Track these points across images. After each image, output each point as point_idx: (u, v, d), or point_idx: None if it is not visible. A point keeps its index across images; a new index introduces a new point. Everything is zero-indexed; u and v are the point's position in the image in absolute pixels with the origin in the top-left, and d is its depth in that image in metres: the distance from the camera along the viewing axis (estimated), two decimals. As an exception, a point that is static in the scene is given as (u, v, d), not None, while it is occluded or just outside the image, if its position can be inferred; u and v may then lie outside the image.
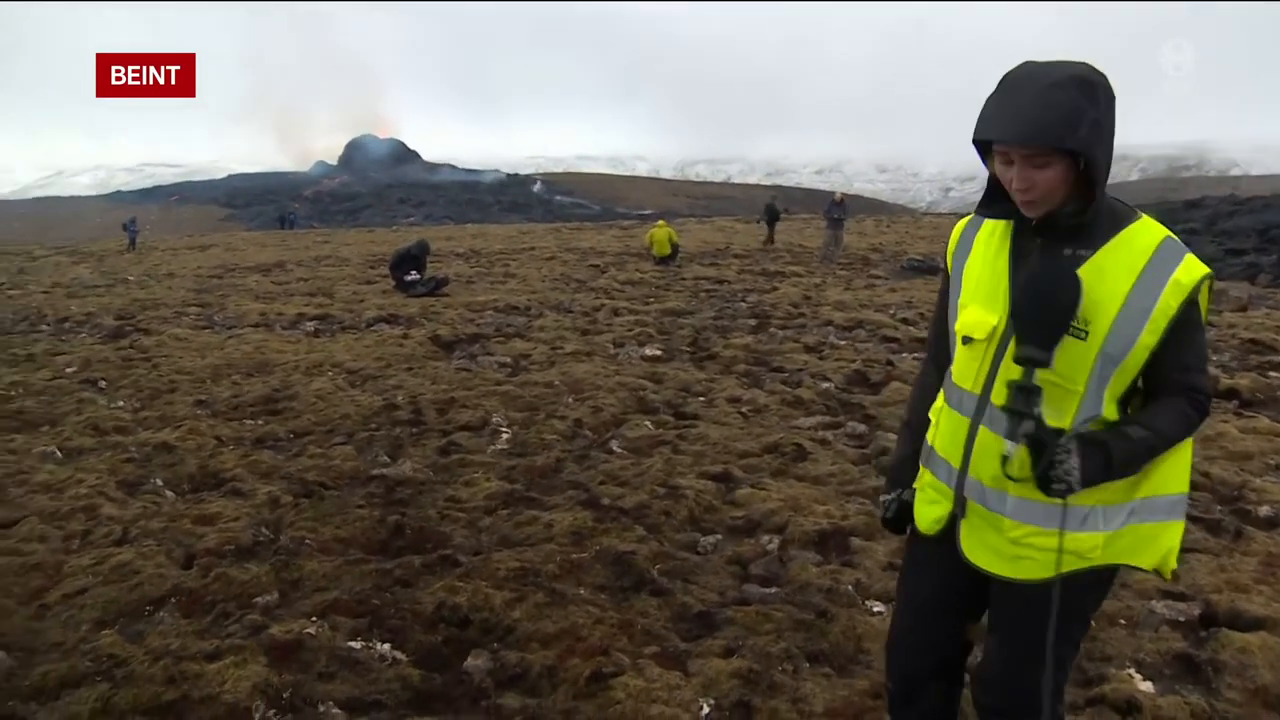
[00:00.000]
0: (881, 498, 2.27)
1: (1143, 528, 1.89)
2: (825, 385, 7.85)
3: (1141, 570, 1.95)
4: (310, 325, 11.76)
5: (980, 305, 1.91)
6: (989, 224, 1.98)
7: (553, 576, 3.91)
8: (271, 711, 2.94)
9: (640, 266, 19.64)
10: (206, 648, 3.28)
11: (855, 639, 3.49)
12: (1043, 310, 1.74)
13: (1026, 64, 1.76)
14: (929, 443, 2.09)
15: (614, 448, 6.00)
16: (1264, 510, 4.87)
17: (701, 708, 2.97)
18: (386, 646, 3.38)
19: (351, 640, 3.40)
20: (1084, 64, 1.74)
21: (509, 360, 9.04)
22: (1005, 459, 1.82)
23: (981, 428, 1.90)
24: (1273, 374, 8.67)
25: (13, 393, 7.61)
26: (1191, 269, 1.77)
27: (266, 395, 7.46)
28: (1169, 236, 1.81)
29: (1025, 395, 1.76)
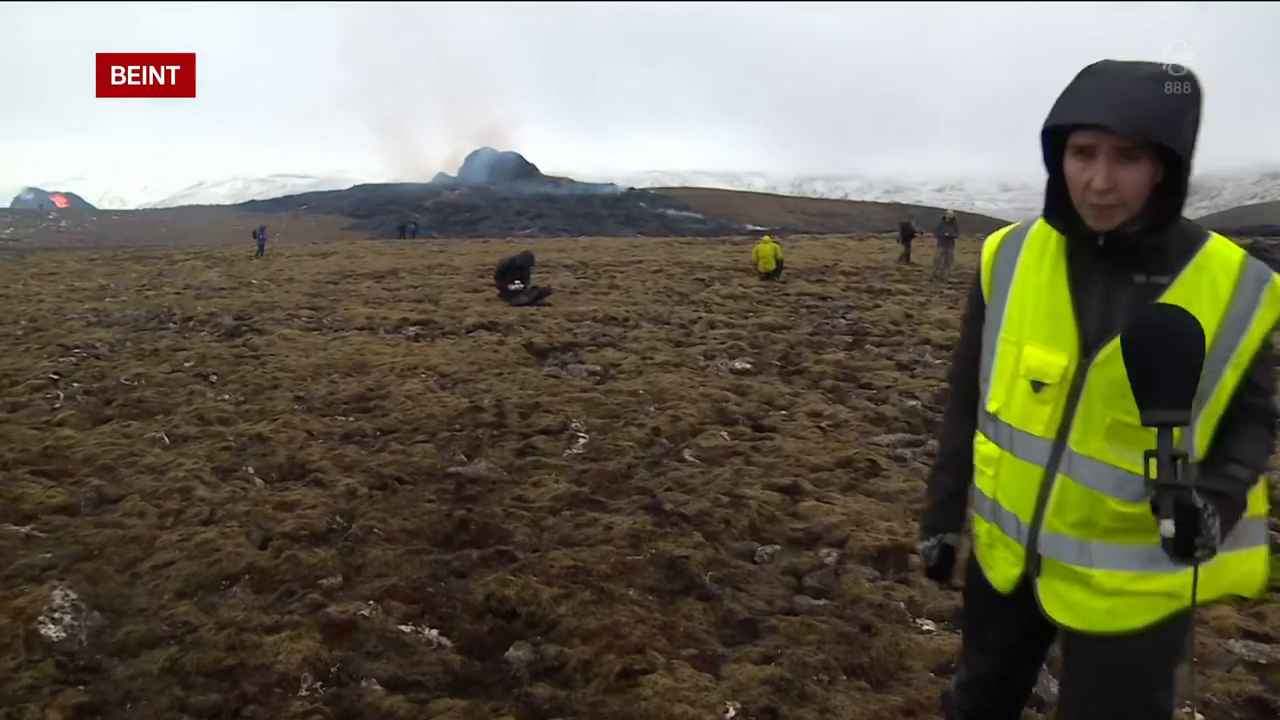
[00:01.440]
0: (920, 545, 2.13)
1: (1231, 558, 1.73)
2: (911, 403, 7.73)
3: (1234, 598, 1.83)
4: (412, 330, 12.24)
5: (1041, 344, 1.72)
6: (1034, 244, 1.80)
7: (604, 576, 3.99)
8: (319, 683, 3.13)
9: (745, 282, 19.60)
10: (268, 621, 3.51)
11: (898, 655, 3.46)
12: (1168, 363, 1.52)
13: (1111, 60, 1.63)
14: (986, 493, 1.90)
15: (686, 456, 6.06)
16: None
17: (727, 710, 2.99)
18: (434, 632, 3.54)
19: (402, 624, 3.57)
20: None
21: (598, 369, 9.20)
22: (1166, 541, 1.53)
23: (1060, 476, 1.72)
24: None
25: (136, 383, 8.24)
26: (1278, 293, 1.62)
27: (360, 394, 7.82)
28: (1246, 256, 1.65)
29: (1178, 469, 1.51)
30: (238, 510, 4.82)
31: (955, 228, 21.69)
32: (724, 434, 6.61)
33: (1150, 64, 1.58)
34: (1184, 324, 1.52)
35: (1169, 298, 1.60)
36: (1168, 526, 1.51)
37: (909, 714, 3.02)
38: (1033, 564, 1.80)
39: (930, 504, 2.14)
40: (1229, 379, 1.62)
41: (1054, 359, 1.70)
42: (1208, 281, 1.61)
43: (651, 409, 7.32)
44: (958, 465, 2.02)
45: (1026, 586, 1.85)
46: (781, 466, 5.81)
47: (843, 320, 13.43)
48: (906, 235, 27.07)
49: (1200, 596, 1.68)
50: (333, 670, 3.20)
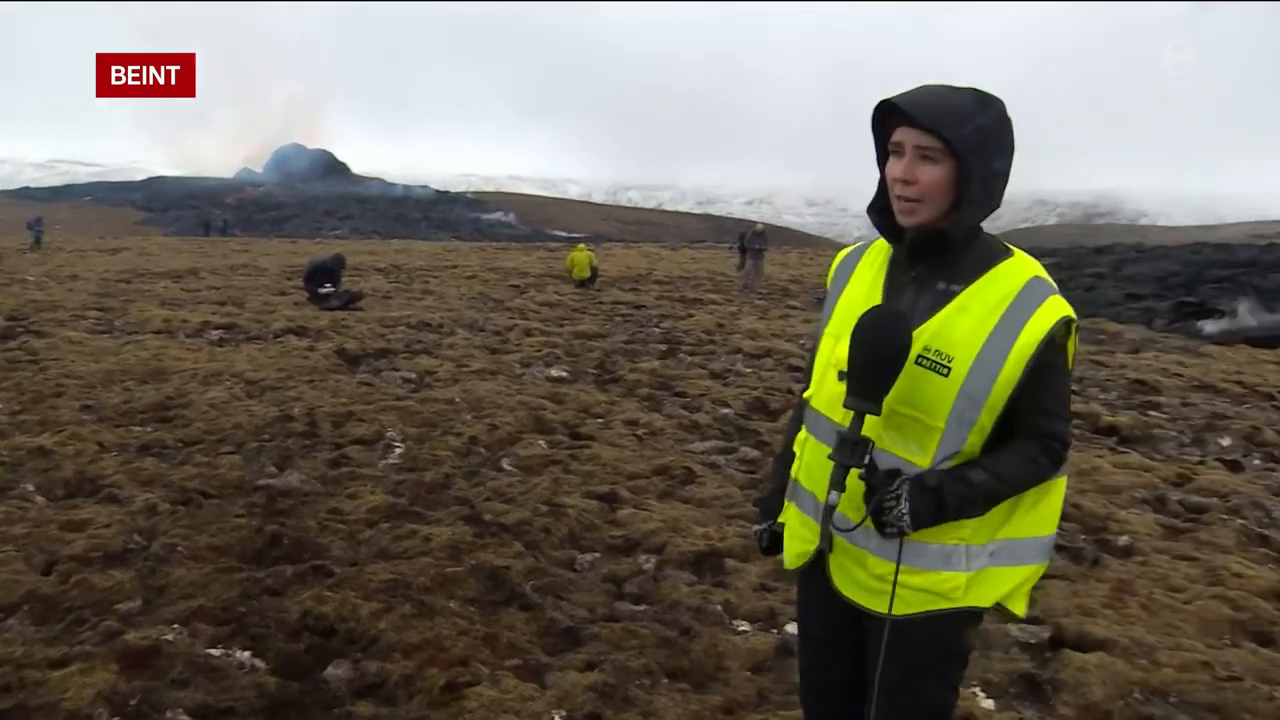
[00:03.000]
0: (754, 529, 2.25)
1: (1000, 571, 1.88)
2: (724, 411, 8.01)
3: (1002, 609, 1.93)
4: (215, 334, 11.54)
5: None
6: (870, 255, 1.98)
7: (424, 589, 3.93)
8: (116, 719, 2.91)
9: (560, 289, 19.69)
10: (54, 654, 3.23)
11: (716, 656, 3.60)
12: (870, 359, 1.72)
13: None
14: (793, 477, 2.04)
15: (505, 465, 6.05)
16: (1123, 540, 5.16)
17: (553, 718, 3.03)
18: (247, 654, 3.37)
19: (211, 647, 3.38)
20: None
21: (413, 376, 9.01)
22: (829, 507, 1.78)
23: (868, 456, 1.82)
24: (1152, 413, 9.15)
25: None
26: (1053, 310, 1.74)
27: (158, 403, 7.30)
28: (1037, 276, 1.79)
29: (850, 448, 1.74)
30: (14, 533, 4.39)
31: (765, 240, 22.61)
32: (542, 442, 6.64)
33: (969, 87, 1.78)
34: (892, 328, 1.73)
35: (957, 301, 1.78)
36: (833, 496, 1.76)
37: (728, 712, 3.16)
38: (825, 540, 1.88)
39: (766, 491, 2.25)
40: (1003, 382, 1.74)
41: None
42: (993, 293, 1.77)
43: (468, 417, 7.25)
44: (792, 454, 2.12)
45: (821, 566, 1.96)
46: (600, 475, 5.90)
47: (657, 329, 13.72)
48: (744, 245, 28.17)
49: (967, 601, 1.86)
50: (133, 703, 2.99)
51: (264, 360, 9.46)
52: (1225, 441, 7.95)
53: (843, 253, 2.08)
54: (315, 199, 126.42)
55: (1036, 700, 3.45)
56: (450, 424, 7.01)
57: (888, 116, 1.81)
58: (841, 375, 1.84)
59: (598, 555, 4.63)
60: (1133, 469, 6.73)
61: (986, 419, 1.78)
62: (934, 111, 1.71)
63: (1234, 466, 7.15)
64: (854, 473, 1.78)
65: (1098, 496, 5.92)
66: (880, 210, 1.90)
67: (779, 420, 7.79)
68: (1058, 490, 1.90)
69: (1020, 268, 1.81)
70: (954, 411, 1.76)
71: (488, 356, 10.38)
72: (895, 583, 1.83)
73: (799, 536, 2.01)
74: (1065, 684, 3.49)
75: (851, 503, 1.83)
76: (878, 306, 1.81)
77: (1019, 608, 1.93)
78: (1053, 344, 1.74)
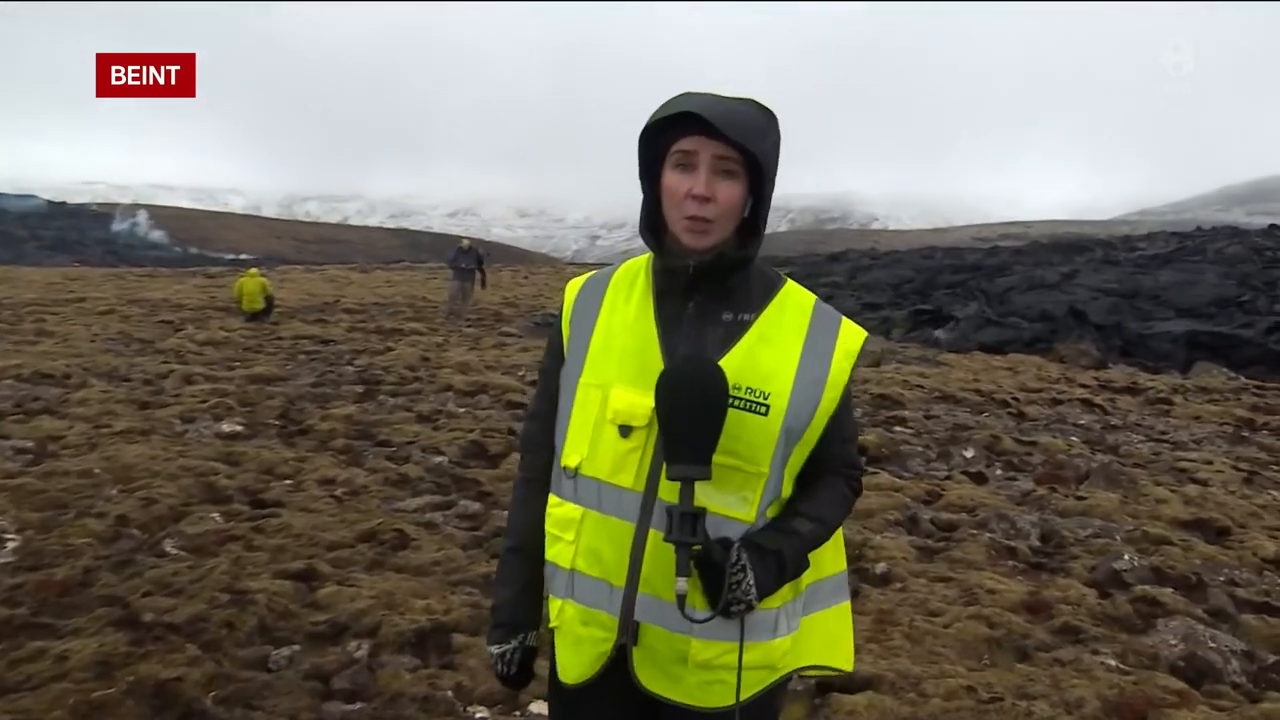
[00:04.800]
0: (493, 649, 2.03)
1: (815, 617, 1.95)
2: (438, 460, 7.94)
3: (830, 670, 1.99)
4: None
5: (629, 384, 1.81)
6: (620, 284, 1.94)
7: (63, 724, 3.51)
8: None
9: (227, 324, 18.63)
10: None
11: (449, 752, 3.50)
12: (692, 418, 1.68)
13: None
14: (562, 566, 1.90)
15: (168, 549, 5.58)
16: (880, 567, 5.63)
17: None
18: None
19: None
20: None
21: (30, 445, 8.07)
22: (680, 598, 1.68)
23: (652, 532, 1.77)
24: (898, 429, 10.12)
25: None
26: (854, 333, 1.89)
27: None
28: (817, 300, 1.93)
29: (688, 523, 1.67)
30: None
31: (475, 257, 22.47)
32: (216, 515, 6.22)
33: (748, 98, 1.81)
34: (710, 378, 1.69)
35: (754, 330, 1.81)
36: (680, 584, 1.67)
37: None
38: (627, 633, 1.82)
39: (502, 597, 2.06)
40: (817, 422, 1.82)
41: (642, 400, 1.77)
42: (789, 320, 1.85)
43: (114, 492, 6.64)
44: (535, 544, 1.99)
45: (616, 666, 1.86)
46: (292, 548, 5.62)
47: (350, 367, 13.41)
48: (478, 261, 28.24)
49: (791, 665, 1.91)
50: None
51: None
52: (969, 453, 8.96)
53: (576, 283, 2.01)
54: None
55: (811, 752, 3.65)
56: (88, 502, 6.36)
57: (670, 124, 1.79)
58: (625, 430, 1.80)
59: (297, 648, 4.38)
60: (884, 490, 7.39)
61: (800, 455, 1.85)
62: (737, 123, 1.72)
63: (978, 478, 8.08)
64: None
65: (851, 523, 6.42)
66: (652, 229, 1.88)
67: (500, 466, 7.81)
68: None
69: (800, 294, 1.91)
70: (776, 452, 1.79)
71: (136, 413, 9.57)
72: (740, 666, 1.78)
73: (587, 639, 1.87)
74: (836, 731, 3.73)
75: (650, 585, 1.79)
76: (689, 357, 1.77)
77: (845, 661, 2.02)
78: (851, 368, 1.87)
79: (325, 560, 5.45)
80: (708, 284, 1.83)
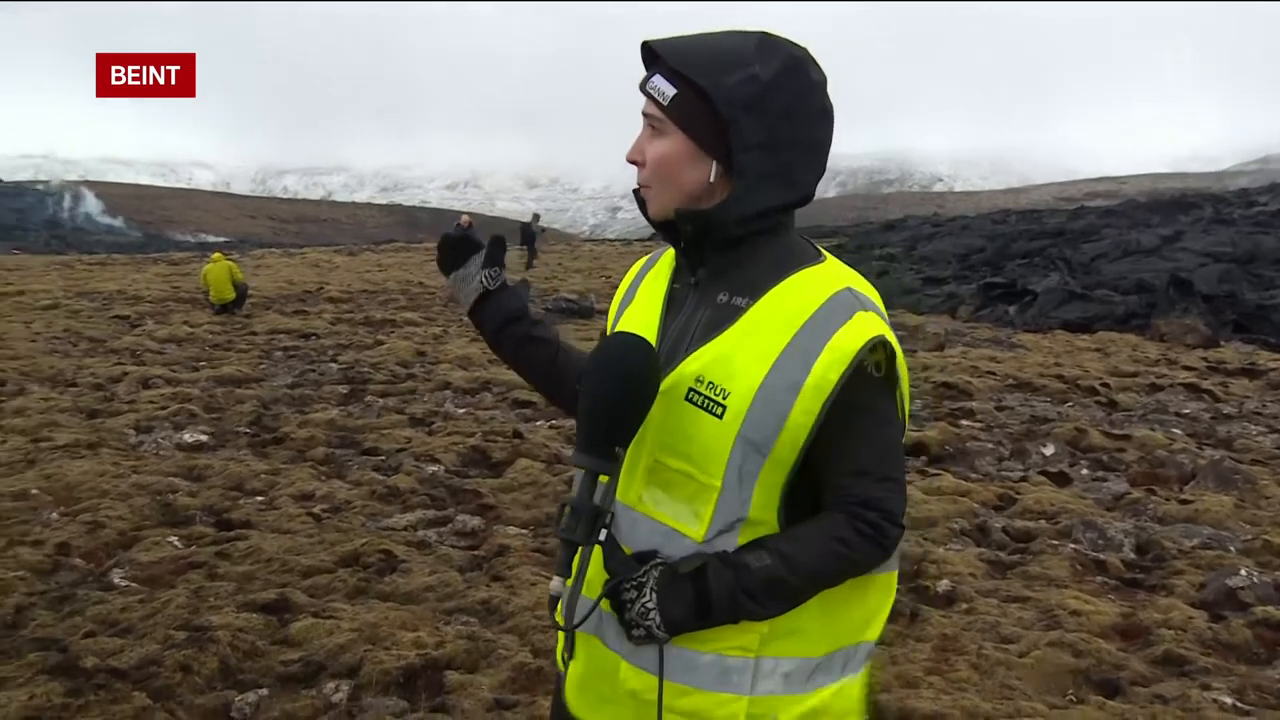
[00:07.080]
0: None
1: (786, 700, 1.77)
2: (432, 469, 7.98)
3: None
4: None
5: None
6: (664, 259, 1.99)
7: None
8: None
9: (193, 318, 18.81)
10: None
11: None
12: (600, 400, 1.67)
13: None
14: None
15: (117, 580, 5.63)
16: (943, 585, 5.57)
17: None
18: None
19: None
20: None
21: (-44, 462, 8.19)
22: (553, 599, 1.72)
23: (604, 532, 1.75)
24: (964, 422, 10.04)
25: None
26: (860, 329, 1.68)
27: None
28: (848, 288, 1.74)
29: (577, 520, 1.67)
30: None
31: (529, 234, 22.71)
32: (174, 539, 6.26)
33: (755, 31, 1.75)
34: (626, 357, 1.68)
35: (743, 320, 1.73)
36: (556, 584, 1.71)
37: None
38: (567, 642, 1.85)
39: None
40: (792, 427, 1.66)
41: None
42: (785, 311, 1.72)
43: (54, 515, 6.70)
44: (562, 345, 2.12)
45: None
46: (262, 575, 5.65)
47: (334, 365, 13.51)
48: (528, 239, 28.62)
49: None
50: None
51: None
52: (1049, 450, 8.85)
53: (641, 261, 2.08)
54: None
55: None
56: (22, 528, 6.43)
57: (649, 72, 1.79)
58: None
59: (264, 693, 4.39)
60: (948, 494, 7.32)
61: (775, 475, 1.71)
62: (688, 54, 1.70)
63: (1060, 479, 7.98)
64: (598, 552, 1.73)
65: (910, 534, 6.35)
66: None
67: (505, 475, 7.82)
68: (880, 588, 1.83)
69: (827, 277, 1.77)
70: (731, 463, 1.69)
71: (83, 423, 9.67)
72: (660, 705, 1.73)
73: (560, 643, 1.95)
74: (893, 780, 3.69)
75: (593, 591, 1.76)
76: (618, 334, 1.77)
77: None
78: (862, 376, 1.68)
79: (300, 588, 5.47)
80: (709, 255, 1.81)
